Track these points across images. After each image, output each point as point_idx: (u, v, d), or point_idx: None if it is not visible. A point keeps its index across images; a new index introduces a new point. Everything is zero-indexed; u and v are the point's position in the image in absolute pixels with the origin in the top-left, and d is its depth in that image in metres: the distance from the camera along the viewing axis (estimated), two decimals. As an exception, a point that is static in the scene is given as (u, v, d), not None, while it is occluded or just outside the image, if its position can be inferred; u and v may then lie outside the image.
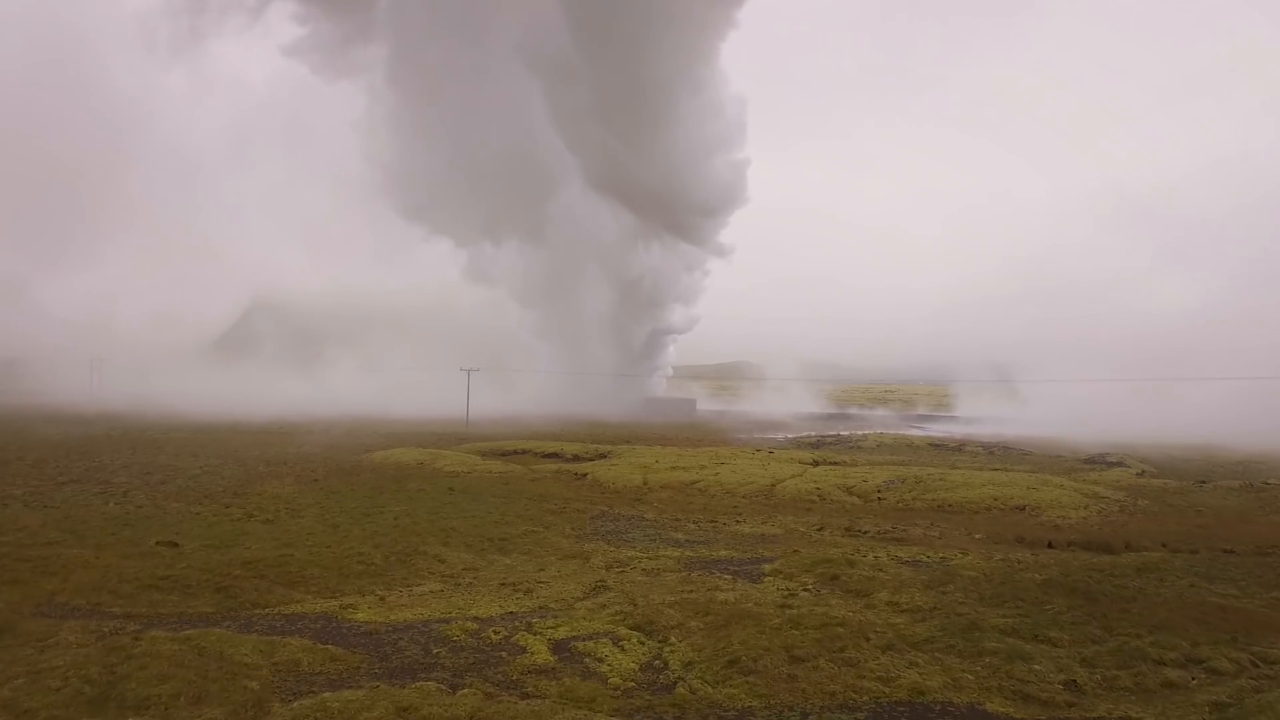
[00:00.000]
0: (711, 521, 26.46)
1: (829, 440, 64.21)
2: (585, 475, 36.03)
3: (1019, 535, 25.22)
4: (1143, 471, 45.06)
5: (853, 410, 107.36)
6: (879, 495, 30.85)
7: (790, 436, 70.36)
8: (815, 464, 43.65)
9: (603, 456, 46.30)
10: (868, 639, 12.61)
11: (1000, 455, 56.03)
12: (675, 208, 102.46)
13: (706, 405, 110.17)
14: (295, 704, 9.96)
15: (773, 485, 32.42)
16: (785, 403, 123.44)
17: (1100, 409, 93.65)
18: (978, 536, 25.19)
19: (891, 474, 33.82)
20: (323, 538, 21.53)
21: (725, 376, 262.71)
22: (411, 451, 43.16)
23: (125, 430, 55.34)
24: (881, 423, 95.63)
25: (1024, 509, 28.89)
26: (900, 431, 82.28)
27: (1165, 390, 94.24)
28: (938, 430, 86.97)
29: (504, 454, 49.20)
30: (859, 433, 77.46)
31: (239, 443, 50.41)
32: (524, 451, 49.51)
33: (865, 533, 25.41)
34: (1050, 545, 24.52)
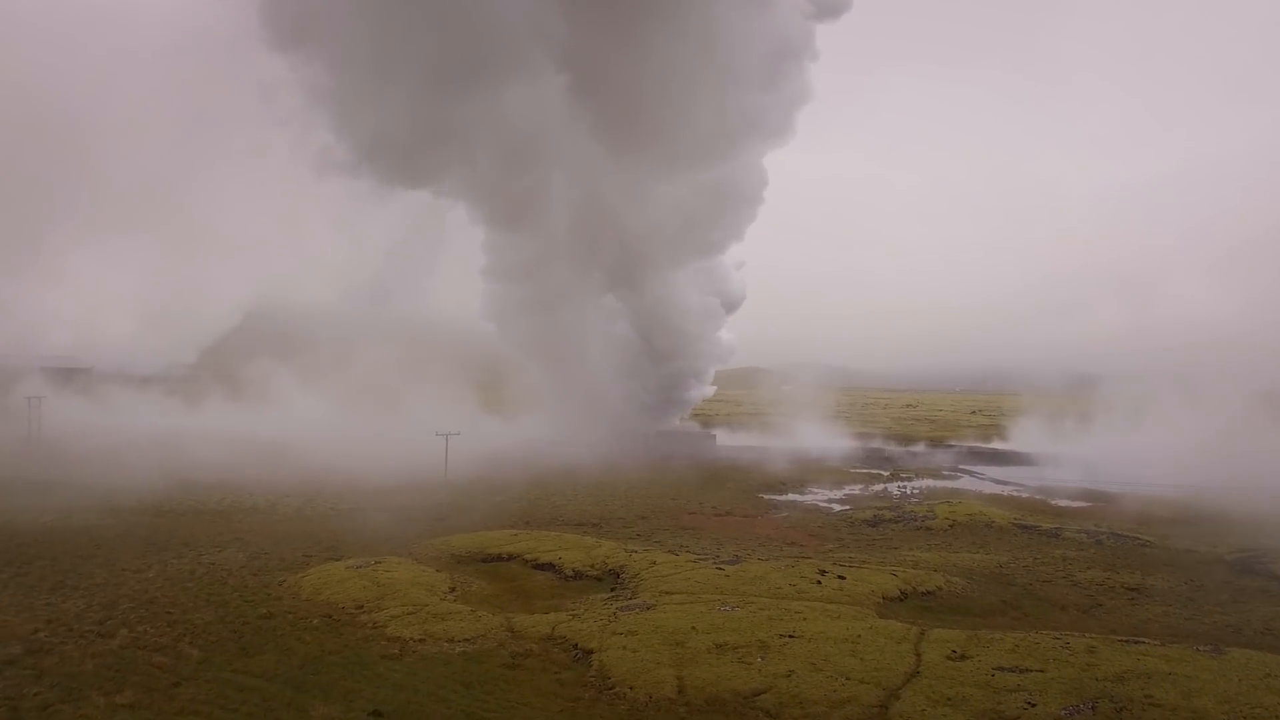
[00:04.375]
0: None
1: (887, 515, 52.36)
2: (590, 655, 24.43)
3: None
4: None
5: (891, 448, 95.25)
6: (1064, 740, 19.08)
7: (837, 503, 58.73)
8: (905, 602, 31.96)
9: (615, 576, 34.76)
10: None
11: (1113, 548, 44.06)
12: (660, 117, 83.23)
13: (726, 440, 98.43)
14: None
15: (883, 705, 20.67)
16: (808, 424, 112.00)
17: (1169, 431, 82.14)
18: None
19: (1066, 678, 21.94)
20: None
21: (737, 384, 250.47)
22: (355, 579, 31.68)
23: (14, 516, 43.77)
24: (931, 467, 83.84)
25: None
26: (963, 486, 70.71)
27: (1246, 421, 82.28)
28: (1004, 477, 75.03)
29: (485, 560, 37.92)
30: (916, 490, 65.89)
31: (145, 540, 38.98)
32: (510, 557, 38.06)
33: None
34: None
